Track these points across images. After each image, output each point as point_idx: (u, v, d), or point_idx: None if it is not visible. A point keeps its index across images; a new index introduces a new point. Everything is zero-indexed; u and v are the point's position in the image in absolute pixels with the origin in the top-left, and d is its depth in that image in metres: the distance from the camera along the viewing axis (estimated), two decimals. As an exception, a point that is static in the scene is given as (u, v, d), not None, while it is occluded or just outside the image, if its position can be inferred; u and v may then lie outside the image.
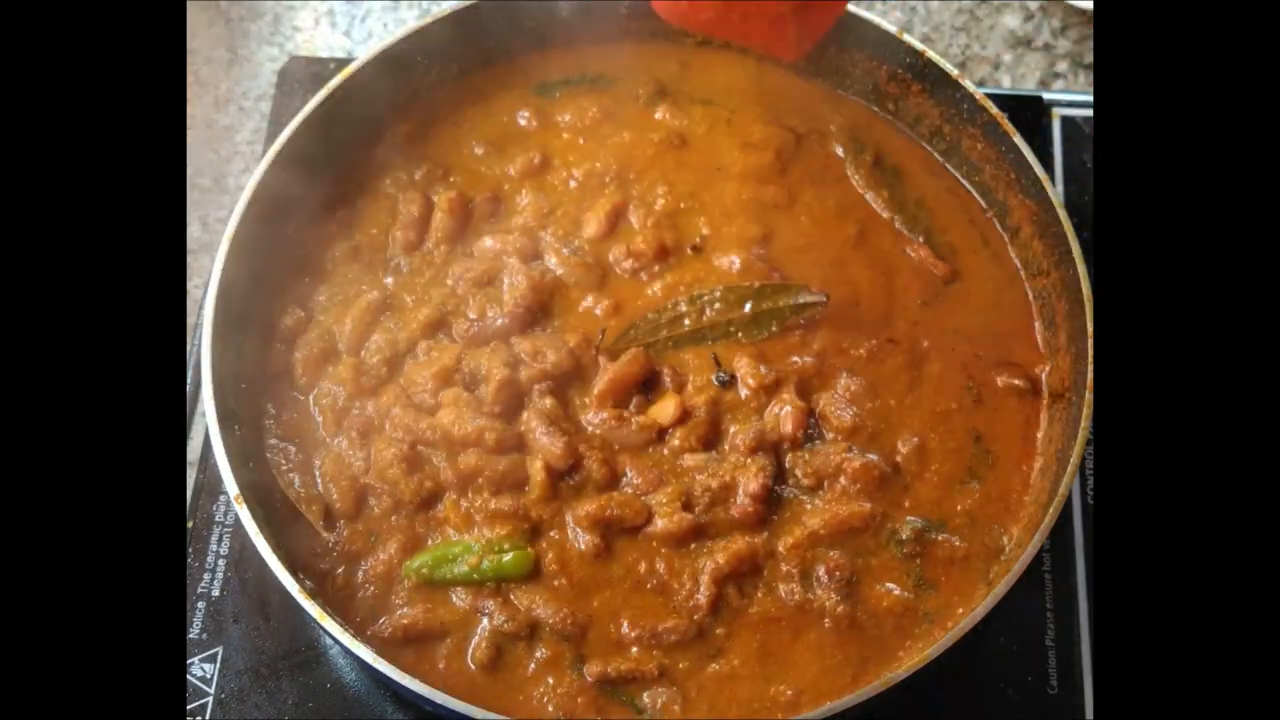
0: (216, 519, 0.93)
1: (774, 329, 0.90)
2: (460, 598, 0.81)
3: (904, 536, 0.82)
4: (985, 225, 0.97)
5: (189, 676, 0.87)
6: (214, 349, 0.83)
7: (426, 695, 0.73)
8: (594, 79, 1.03)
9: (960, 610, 0.80)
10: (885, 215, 0.96)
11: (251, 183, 0.89)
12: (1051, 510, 0.78)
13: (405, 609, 0.81)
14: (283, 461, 0.86)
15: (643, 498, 0.83)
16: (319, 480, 0.85)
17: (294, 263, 0.93)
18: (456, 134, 1.01)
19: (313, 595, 0.77)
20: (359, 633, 0.78)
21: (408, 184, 0.97)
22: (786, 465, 0.85)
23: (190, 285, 1.08)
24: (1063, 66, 1.22)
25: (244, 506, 0.78)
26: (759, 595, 0.81)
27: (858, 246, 0.94)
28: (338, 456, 0.86)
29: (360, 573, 0.82)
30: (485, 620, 0.80)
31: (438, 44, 1.00)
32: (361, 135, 0.98)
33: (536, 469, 0.83)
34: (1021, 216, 0.93)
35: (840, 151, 0.99)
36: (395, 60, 0.98)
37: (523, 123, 1.01)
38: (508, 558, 0.81)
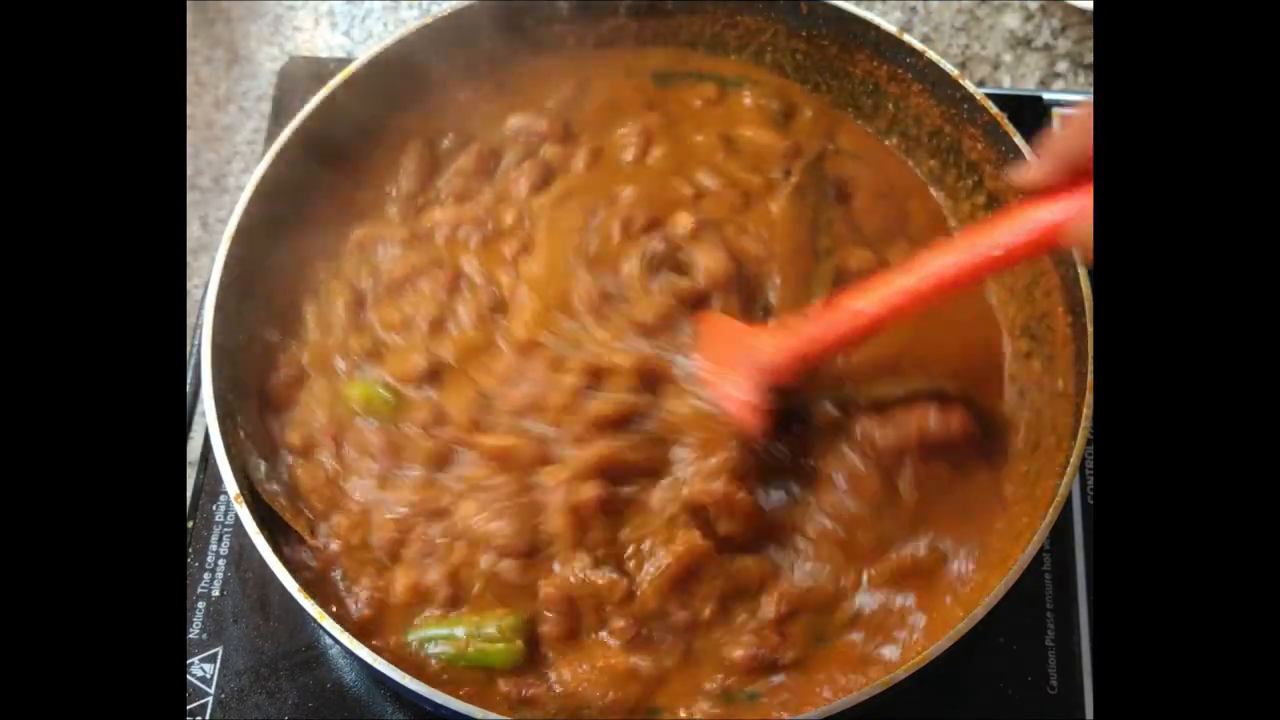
0: (216, 519, 0.93)
1: None
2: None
3: None
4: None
5: (189, 676, 0.87)
6: (214, 349, 0.83)
7: (426, 695, 0.73)
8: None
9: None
10: None
11: (251, 182, 0.89)
12: (1051, 510, 0.77)
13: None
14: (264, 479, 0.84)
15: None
16: (287, 486, 0.84)
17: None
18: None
19: (312, 594, 0.76)
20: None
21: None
22: None
23: (190, 285, 1.08)
24: (1063, 66, 1.22)
25: (244, 506, 0.78)
26: None
27: None
28: (313, 467, 0.85)
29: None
30: None
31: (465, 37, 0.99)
32: (362, 134, 0.98)
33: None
34: (1022, 217, 0.93)
35: None
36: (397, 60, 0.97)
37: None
38: (496, 647, 0.77)
